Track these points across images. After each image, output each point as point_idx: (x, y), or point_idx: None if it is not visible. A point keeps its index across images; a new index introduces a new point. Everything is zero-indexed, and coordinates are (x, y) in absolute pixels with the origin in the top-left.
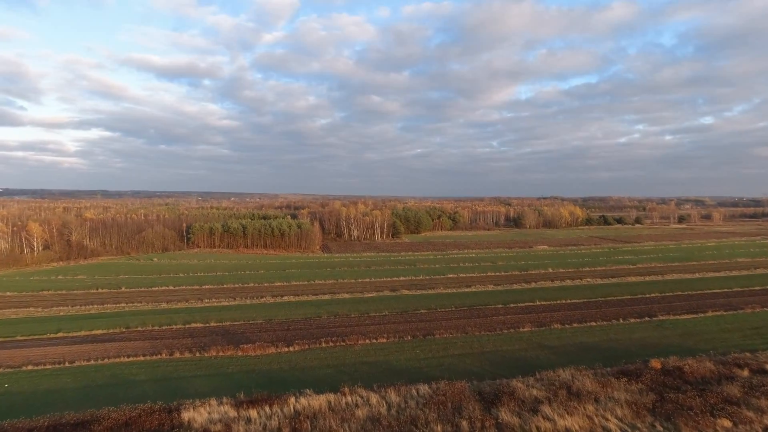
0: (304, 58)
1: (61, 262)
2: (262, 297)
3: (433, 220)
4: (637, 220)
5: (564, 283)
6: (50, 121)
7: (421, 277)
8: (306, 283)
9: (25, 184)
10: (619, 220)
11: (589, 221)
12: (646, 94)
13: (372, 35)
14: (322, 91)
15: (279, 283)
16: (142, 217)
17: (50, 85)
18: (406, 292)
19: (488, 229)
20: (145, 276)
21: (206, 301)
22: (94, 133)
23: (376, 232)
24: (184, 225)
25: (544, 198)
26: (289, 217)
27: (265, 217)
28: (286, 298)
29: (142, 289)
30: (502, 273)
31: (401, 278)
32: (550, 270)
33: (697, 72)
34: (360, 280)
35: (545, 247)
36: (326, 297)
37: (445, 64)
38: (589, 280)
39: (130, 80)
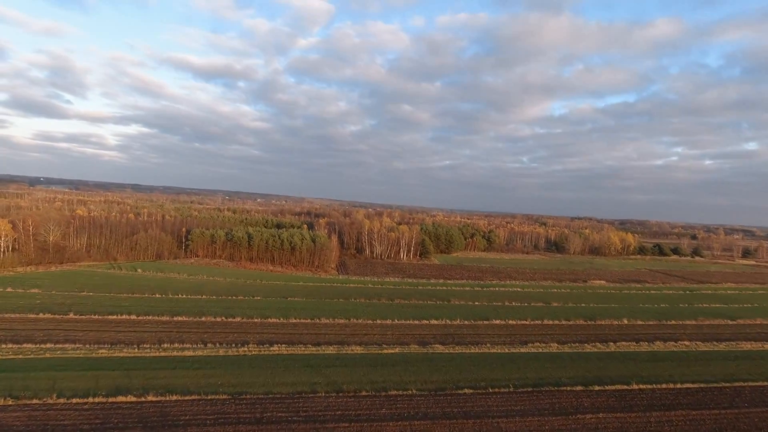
0: (338, 64)
1: (30, 267)
2: (243, 345)
3: (465, 239)
4: (696, 252)
5: (654, 345)
6: (93, 115)
7: (458, 322)
8: (309, 321)
9: (66, 174)
10: (676, 251)
11: (642, 250)
12: (686, 116)
13: (405, 44)
14: (354, 97)
15: (274, 320)
16: (141, 217)
17: (95, 80)
18: (440, 348)
19: (527, 253)
20: (113, 294)
21: (165, 345)
22: (134, 129)
23: (402, 250)
24: (184, 230)
25: (578, 219)
26: (305, 226)
27: (279, 225)
28: (275, 349)
29: (96, 316)
30: (563, 321)
31: (433, 322)
32: (625, 321)
33: (743, 95)
34: (379, 322)
35: (602, 282)
36: (331, 350)
37: (478, 75)
38: (685, 343)
39: (168, 79)
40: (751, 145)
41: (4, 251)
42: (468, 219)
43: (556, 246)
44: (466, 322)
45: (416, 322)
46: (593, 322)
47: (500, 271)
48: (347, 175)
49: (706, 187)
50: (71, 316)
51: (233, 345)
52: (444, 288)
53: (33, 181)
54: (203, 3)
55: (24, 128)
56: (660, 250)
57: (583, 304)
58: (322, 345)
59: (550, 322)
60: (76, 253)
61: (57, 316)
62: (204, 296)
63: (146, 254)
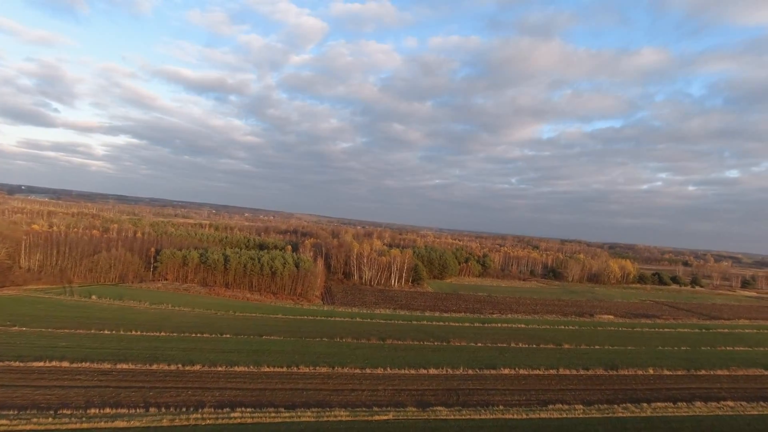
0: (331, 81)
1: None
2: (197, 409)
3: (459, 264)
4: (695, 281)
5: (694, 407)
6: (82, 124)
7: (461, 371)
8: (284, 370)
9: (50, 183)
10: (675, 279)
11: (641, 279)
12: (671, 143)
13: (398, 64)
14: (346, 114)
15: (242, 368)
16: (110, 233)
17: (85, 90)
18: (443, 412)
19: (524, 279)
20: (51, 330)
21: (93, 411)
22: (122, 139)
23: (393, 275)
24: (153, 249)
25: (569, 241)
26: (289, 248)
27: (261, 246)
28: (236, 414)
29: (16, 363)
30: (582, 371)
31: (432, 371)
32: (651, 371)
33: (726, 124)
34: (369, 371)
35: (611, 317)
36: (308, 416)
37: (470, 97)
38: (729, 404)
39: (161, 91)
40: (733, 173)
41: None
42: (458, 240)
43: (553, 273)
44: (470, 371)
45: (413, 371)
46: (616, 372)
47: (499, 301)
48: (338, 192)
49: (691, 212)
50: None
51: (184, 409)
52: (441, 324)
53: (13, 190)
54: (198, 17)
55: (9, 135)
56: (660, 279)
57: (597, 346)
58: (298, 408)
59: (567, 372)
60: (23, 275)
61: None
62: (163, 333)
63: (107, 277)
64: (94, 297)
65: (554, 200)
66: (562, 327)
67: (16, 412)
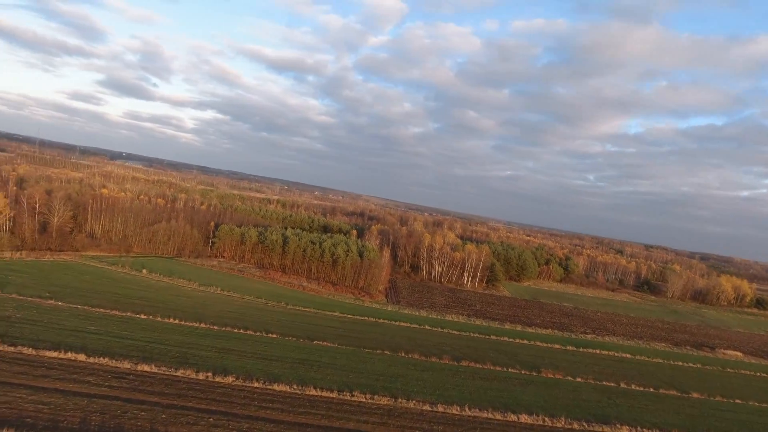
0: (406, 64)
1: (17, 254)
2: None
3: (539, 266)
4: None
5: None
6: (175, 99)
7: (562, 423)
8: (335, 396)
9: (146, 152)
10: None
11: (760, 303)
12: None
13: (476, 48)
14: (419, 99)
15: (282, 387)
16: (178, 203)
17: (179, 66)
18: None
19: (612, 290)
20: (86, 308)
21: None
22: (209, 114)
23: (466, 273)
24: (213, 224)
25: (653, 247)
26: (354, 232)
27: (325, 228)
28: None
29: (28, 351)
30: None
31: (523, 418)
32: None
33: None
34: (441, 410)
35: (738, 354)
36: None
37: (549, 86)
38: None
39: (244, 69)
40: None
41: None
42: (531, 236)
43: (647, 285)
44: (575, 425)
45: (498, 416)
46: None
47: (589, 316)
48: (404, 177)
49: None
50: None
51: None
52: (526, 342)
53: (114, 156)
54: None
55: (116, 107)
56: None
57: (737, 400)
58: None
59: None
60: (83, 240)
61: None
62: (202, 324)
63: (165, 248)
64: (144, 271)
65: (634, 201)
66: (680, 363)
67: None
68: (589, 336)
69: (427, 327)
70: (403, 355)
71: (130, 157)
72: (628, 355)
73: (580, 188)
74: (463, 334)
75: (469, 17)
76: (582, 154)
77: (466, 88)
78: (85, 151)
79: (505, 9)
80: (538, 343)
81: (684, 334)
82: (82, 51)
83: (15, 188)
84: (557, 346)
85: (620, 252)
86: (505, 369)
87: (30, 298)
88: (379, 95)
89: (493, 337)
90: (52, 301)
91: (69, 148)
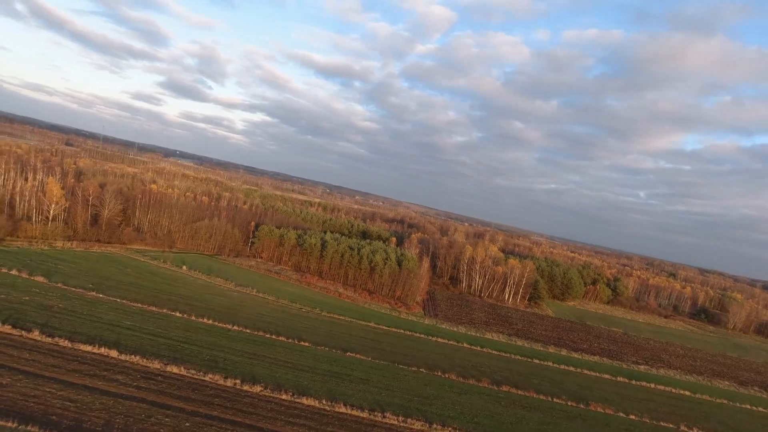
0: (452, 72)
1: (69, 244)
2: None
3: (585, 285)
4: None
5: None
6: (227, 101)
7: None
8: (366, 416)
9: (198, 151)
10: None
11: None
12: None
13: (525, 57)
14: (464, 108)
15: (311, 401)
16: (221, 201)
17: (233, 70)
18: None
19: (666, 317)
20: (125, 303)
21: None
22: (258, 117)
23: (508, 289)
24: (253, 223)
25: (708, 272)
26: (394, 239)
27: (364, 234)
28: None
29: (64, 342)
30: None
31: None
32: None
33: None
34: None
35: None
36: None
37: (601, 98)
38: None
39: (293, 73)
40: None
41: (51, 220)
42: (575, 253)
43: (705, 313)
44: None
45: None
46: None
47: (641, 344)
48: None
49: None
50: (35, 334)
51: None
52: (572, 369)
53: (168, 153)
54: (332, 4)
55: (173, 107)
56: None
57: None
58: None
59: None
60: (129, 234)
61: (15, 331)
62: (235, 327)
63: (206, 245)
64: (184, 267)
65: (688, 221)
66: (747, 407)
67: (14, 425)
68: (641, 367)
69: (465, 345)
70: (439, 374)
71: (182, 155)
72: (687, 392)
73: (629, 205)
74: (504, 355)
75: (519, 26)
76: (632, 169)
77: (512, 98)
78: (143, 148)
79: (557, 19)
80: (585, 371)
81: (750, 372)
82: (146, 54)
83: (73, 180)
84: (606, 376)
85: (673, 275)
86: (549, 398)
87: (74, 289)
88: (423, 103)
89: (536, 360)
90: (94, 293)
91: (128, 145)
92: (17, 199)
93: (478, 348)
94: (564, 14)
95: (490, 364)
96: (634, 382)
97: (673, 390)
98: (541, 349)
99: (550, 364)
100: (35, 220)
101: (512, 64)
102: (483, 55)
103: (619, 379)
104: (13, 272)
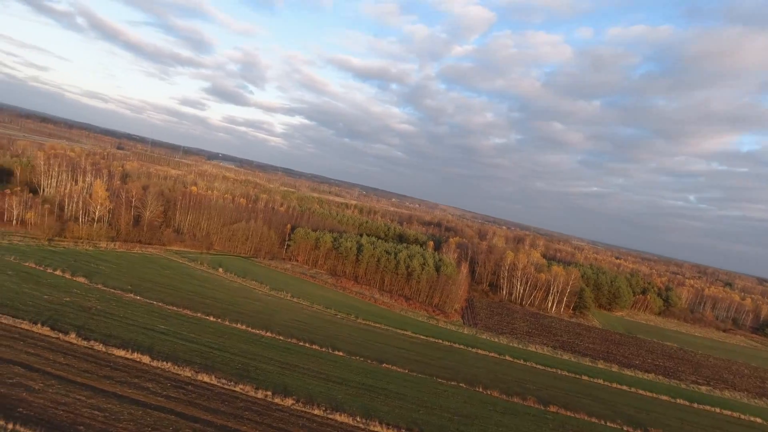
0: (490, 74)
1: (112, 244)
2: None
3: (635, 294)
4: None
5: None
6: (267, 105)
7: None
8: None
9: (239, 153)
10: None
11: None
12: None
13: (566, 57)
14: (502, 110)
15: (344, 417)
16: (259, 203)
17: (273, 75)
18: None
19: (725, 330)
20: (160, 305)
21: None
22: (297, 120)
23: (551, 298)
24: (289, 226)
25: (766, 281)
26: (431, 244)
27: (401, 237)
28: None
29: (98, 346)
30: None
31: None
32: None
33: None
34: None
35: None
36: None
37: (647, 98)
38: None
39: (331, 77)
40: None
41: (96, 221)
42: (619, 259)
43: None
44: None
45: None
46: None
47: (700, 362)
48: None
49: None
50: (71, 337)
51: None
52: (625, 389)
53: (211, 156)
54: (370, 8)
55: (216, 111)
56: None
57: None
58: None
59: None
60: (169, 235)
61: (53, 333)
62: (268, 333)
63: (243, 247)
64: (220, 270)
65: (744, 227)
66: None
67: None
68: (702, 388)
69: (508, 358)
70: (480, 390)
71: (225, 157)
72: (759, 420)
73: (678, 210)
74: (550, 370)
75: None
76: (681, 172)
77: (553, 99)
78: (188, 151)
79: (600, 16)
80: (640, 391)
81: None
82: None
83: (118, 183)
84: (664, 398)
85: (729, 285)
86: (602, 422)
87: (112, 290)
88: (460, 105)
89: (584, 377)
90: (132, 295)
91: (174, 148)
92: (66, 200)
93: (522, 361)
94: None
95: (535, 380)
96: (696, 405)
97: (742, 416)
98: (590, 364)
99: (600, 381)
100: (81, 221)
101: (553, 64)
102: (522, 55)
103: (678, 401)
104: (57, 272)
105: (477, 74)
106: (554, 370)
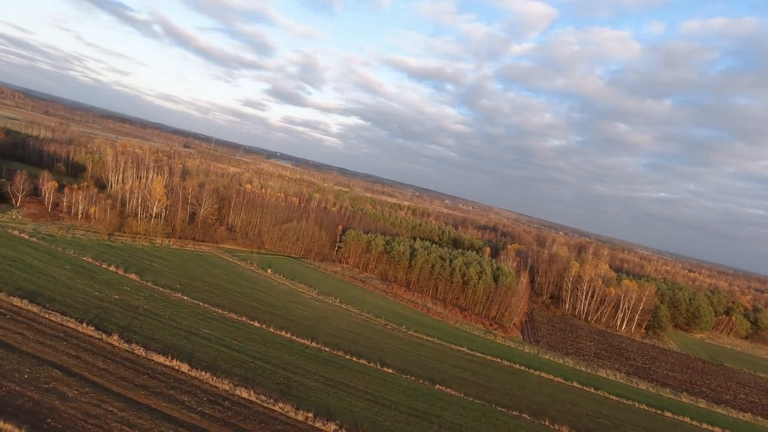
0: (550, 72)
1: (167, 241)
2: None
3: (717, 315)
4: None
5: None
6: (324, 105)
7: None
8: None
9: (296, 153)
10: None
11: None
12: None
13: (634, 54)
14: (562, 110)
15: None
16: (312, 203)
17: (330, 76)
18: None
19: None
20: (207, 307)
21: None
22: (352, 120)
23: (621, 314)
24: (340, 227)
25: None
26: (488, 250)
27: (456, 242)
28: None
29: (139, 350)
30: None
31: None
32: None
33: None
34: None
35: None
36: None
37: (727, 96)
38: None
39: (386, 78)
40: None
41: (153, 217)
42: (693, 272)
43: None
44: None
45: None
46: None
47: None
48: (539, 192)
49: None
50: (113, 339)
51: None
52: (717, 431)
53: (271, 155)
54: (427, 8)
55: (275, 112)
56: None
57: None
58: None
59: None
60: (222, 233)
61: (97, 334)
62: (313, 343)
63: (293, 247)
64: (269, 271)
65: None
66: None
67: None
68: None
69: (575, 384)
70: (548, 424)
71: (282, 156)
72: None
73: (760, 219)
74: (625, 402)
75: (628, 20)
76: (765, 177)
77: (618, 99)
78: (248, 150)
79: (674, 9)
80: None
81: None
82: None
83: (177, 179)
84: None
85: None
86: None
87: (162, 289)
88: (518, 105)
89: (667, 414)
90: (179, 295)
91: (236, 147)
92: (128, 196)
93: (592, 390)
94: (683, 3)
95: (609, 414)
96: None
97: None
98: (672, 396)
99: (687, 420)
100: (140, 217)
101: (619, 62)
102: (585, 52)
103: None
104: (111, 268)
105: (536, 73)
106: (631, 403)
